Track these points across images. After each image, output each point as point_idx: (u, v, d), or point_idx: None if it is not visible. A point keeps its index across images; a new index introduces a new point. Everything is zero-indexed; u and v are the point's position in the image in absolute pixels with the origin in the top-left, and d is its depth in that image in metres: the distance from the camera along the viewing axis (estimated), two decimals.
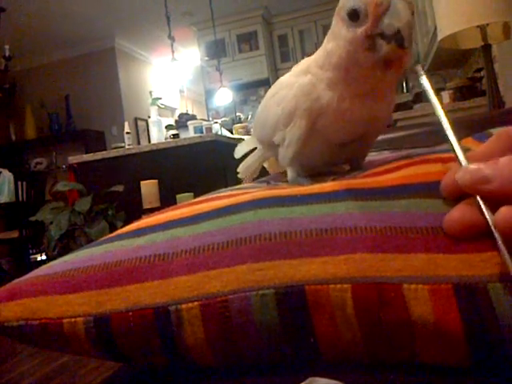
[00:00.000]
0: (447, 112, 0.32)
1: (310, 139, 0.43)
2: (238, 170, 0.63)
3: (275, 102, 0.46)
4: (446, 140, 0.30)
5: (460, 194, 0.28)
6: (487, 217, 0.25)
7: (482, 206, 0.25)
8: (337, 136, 0.42)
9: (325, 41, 0.42)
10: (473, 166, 0.26)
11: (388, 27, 0.35)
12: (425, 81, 0.34)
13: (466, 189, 0.26)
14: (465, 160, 0.28)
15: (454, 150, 0.29)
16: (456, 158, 0.29)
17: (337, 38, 0.39)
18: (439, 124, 0.31)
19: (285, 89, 0.45)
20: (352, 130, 0.42)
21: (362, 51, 0.37)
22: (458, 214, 0.27)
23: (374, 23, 0.36)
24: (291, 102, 0.43)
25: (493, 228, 0.24)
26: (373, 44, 0.37)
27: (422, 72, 0.35)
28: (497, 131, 0.30)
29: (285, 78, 0.47)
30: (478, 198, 0.25)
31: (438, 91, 3.65)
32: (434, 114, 0.32)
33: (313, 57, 0.43)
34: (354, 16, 0.37)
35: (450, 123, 0.31)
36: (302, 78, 0.43)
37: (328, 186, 0.36)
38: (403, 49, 0.35)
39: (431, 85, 0.34)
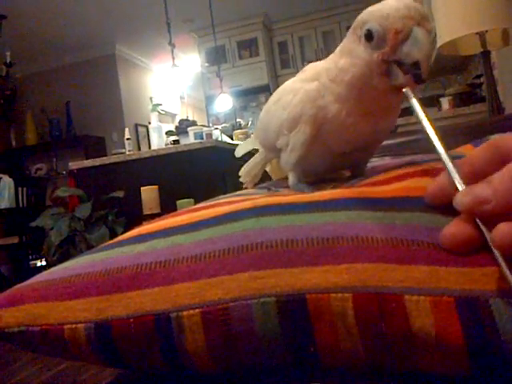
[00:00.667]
0: (438, 132, 0.32)
1: (314, 145, 0.43)
2: (240, 173, 0.63)
3: (280, 107, 0.46)
4: (440, 160, 0.30)
5: (445, 202, 0.28)
6: (485, 234, 0.25)
7: (481, 225, 0.26)
8: (338, 146, 0.43)
9: (337, 52, 0.41)
10: (469, 189, 0.26)
11: (406, 56, 0.35)
12: (415, 103, 0.34)
13: (465, 211, 0.26)
14: (460, 182, 0.28)
15: (449, 173, 0.29)
16: (449, 176, 0.29)
17: (352, 56, 0.38)
18: (432, 146, 0.31)
19: (289, 94, 0.45)
20: (354, 142, 0.42)
21: (378, 75, 0.36)
22: (454, 229, 0.27)
23: (392, 50, 0.35)
24: (297, 107, 0.43)
25: (491, 245, 0.25)
26: (389, 70, 0.36)
27: (412, 95, 0.34)
28: (487, 140, 0.30)
29: (289, 84, 0.47)
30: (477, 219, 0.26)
31: (436, 97, 3.66)
32: (425, 135, 0.32)
33: (322, 65, 0.43)
34: (370, 38, 0.36)
35: (442, 144, 0.31)
36: (308, 85, 0.43)
37: (329, 193, 0.36)
38: (420, 82, 0.35)
39: (422, 106, 0.34)
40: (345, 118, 0.40)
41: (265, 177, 0.65)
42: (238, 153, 0.65)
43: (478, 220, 0.26)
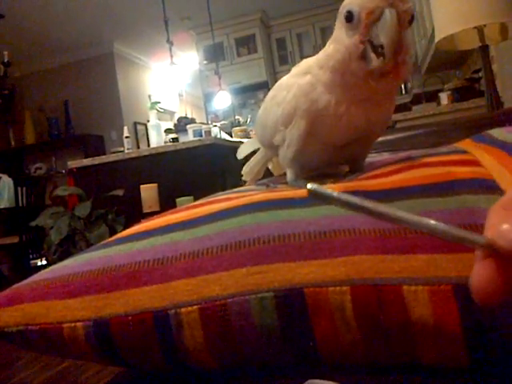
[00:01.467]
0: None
1: (310, 140, 0.43)
2: (242, 171, 0.62)
3: (275, 103, 0.46)
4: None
5: (503, 295, 0.19)
6: None
7: None
8: (333, 138, 0.42)
9: (328, 42, 0.42)
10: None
11: (375, 38, 0.36)
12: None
13: None
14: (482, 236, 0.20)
15: (461, 240, 0.20)
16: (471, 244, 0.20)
17: (337, 41, 0.39)
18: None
19: (284, 90, 0.45)
20: (348, 134, 0.42)
21: (356, 59, 0.37)
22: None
23: (365, 30, 0.36)
24: (291, 103, 0.43)
25: None
26: (365, 53, 0.37)
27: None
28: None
29: (284, 80, 0.47)
30: None
31: (434, 93, 3.66)
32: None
33: (315, 57, 0.44)
34: (350, 19, 0.37)
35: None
36: (301, 79, 0.43)
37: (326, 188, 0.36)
38: (387, 63, 0.35)
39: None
40: (335, 107, 0.40)
41: (267, 175, 0.65)
42: (240, 154, 0.64)
43: None
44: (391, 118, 0.45)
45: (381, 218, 0.20)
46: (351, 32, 0.37)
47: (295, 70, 0.46)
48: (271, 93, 0.49)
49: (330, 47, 0.41)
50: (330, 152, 0.44)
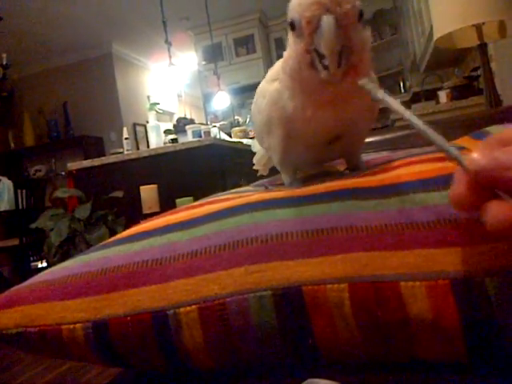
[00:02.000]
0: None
1: (292, 143, 0.42)
2: (254, 161, 0.62)
3: (257, 110, 0.46)
4: (436, 145, 0.26)
5: (474, 204, 0.23)
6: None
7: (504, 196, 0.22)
8: (311, 140, 0.41)
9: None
10: (489, 152, 0.22)
11: (319, 46, 0.33)
12: (384, 95, 0.31)
13: (484, 178, 0.22)
14: (463, 158, 0.24)
15: (446, 151, 0.25)
16: (455, 161, 0.24)
17: (290, 47, 0.38)
18: (422, 132, 0.27)
19: (261, 96, 0.45)
20: (323, 135, 0.41)
21: (306, 68, 0.35)
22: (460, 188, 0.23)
23: (309, 39, 0.34)
24: (265, 111, 0.43)
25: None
26: (313, 62, 0.35)
27: (370, 86, 0.32)
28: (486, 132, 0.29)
29: (261, 85, 0.46)
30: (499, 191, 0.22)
31: (433, 91, 3.66)
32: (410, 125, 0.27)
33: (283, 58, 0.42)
34: (292, 27, 0.35)
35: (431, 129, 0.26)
36: (271, 86, 0.42)
37: (323, 187, 0.36)
38: (332, 73, 0.33)
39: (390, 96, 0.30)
40: (302, 112, 0.39)
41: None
42: (254, 148, 0.64)
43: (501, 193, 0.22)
44: (375, 109, 0.42)
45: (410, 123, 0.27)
46: (298, 39, 0.35)
47: (269, 73, 0.45)
48: (255, 97, 0.48)
49: (285, 53, 0.39)
50: (318, 151, 0.43)
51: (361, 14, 0.34)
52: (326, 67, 0.33)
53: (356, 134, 0.43)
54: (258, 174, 0.59)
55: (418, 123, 0.27)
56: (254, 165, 0.59)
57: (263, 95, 0.44)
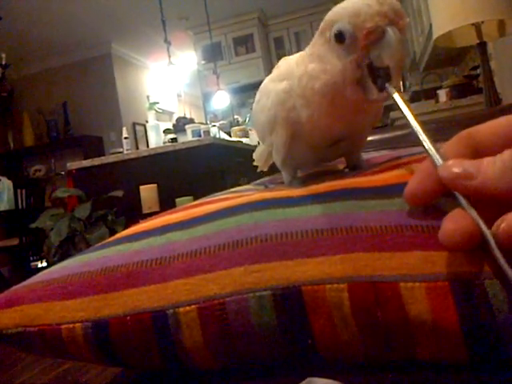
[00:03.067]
0: (418, 118, 0.30)
1: (295, 144, 0.42)
2: (254, 156, 0.62)
3: (260, 109, 0.45)
4: (419, 143, 0.29)
5: (426, 201, 0.27)
6: (481, 226, 0.23)
7: (463, 203, 0.24)
8: (315, 142, 0.41)
9: (308, 53, 0.38)
10: (458, 161, 0.25)
11: (377, 59, 0.32)
12: (398, 99, 0.31)
13: (450, 183, 0.25)
14: (435, 153, 0.27)
15: (427, 151, 0.27)
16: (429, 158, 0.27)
17: (322, 61, 0.35)
18: (413, 130, 0.30)
19: (265, 95, 0.44)
20: (329, 138, 0.41)
21: (351, 86, 0.34)
22: (452, 224, 0.24)
23: (364, 52, 0.32)
24: (270, 111, 0.42)
25: (489, 238, 0.23)
26: (363, 80, 0.33)
27: (394, 91, 0.32)
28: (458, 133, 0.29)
29: (265, 84, 0.45)
30: (458, 194, 0.25)
31: (433, 90, 3.66)
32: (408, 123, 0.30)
33: (294, 60, 0.40)
34: (341, 39, 0.33)
35: (422, 128, 0.29)
36: (278, 85, 0.41)
37: (323, 186, 0.36)
38: (386, 90, 0.32)
39: (404, 101, 0.31)
40: (316, 121, 0.38)
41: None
42: (251, 142, 0.64)
43: (460, 198, 0.25)
44: (380, 112, 0.42)
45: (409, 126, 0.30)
46: (343, 53, 0.33)
47: (275, 72, 0.44)
48: (257, 95, 0.47)
49: (312, 65, 0.36)
50: (320, 151, 0.43)
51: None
52: (381, 88, 0.32)
53: (359, 136, 0.44)
54: (258, 170, 0.59)
55: (415, 124, 0.30)
56: (253, 160, 0.59)
57: (267, 94, 0.43)
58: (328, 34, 0.34)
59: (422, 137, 0.29)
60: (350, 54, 0.33)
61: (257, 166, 0.58)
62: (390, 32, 0.31)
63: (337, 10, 0.34)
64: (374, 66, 0.32)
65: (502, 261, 0.23)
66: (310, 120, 0.38)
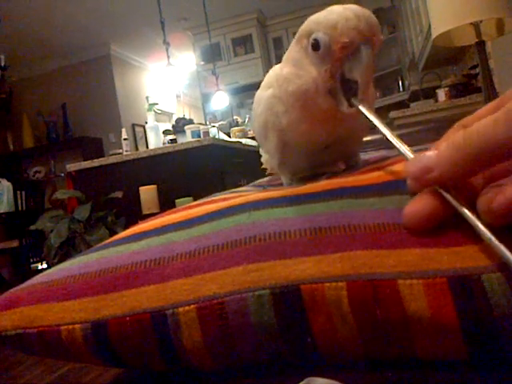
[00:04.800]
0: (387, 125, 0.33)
1: (288, 148, 0.42)
2: (262, 160, 0.63)
3: (254, 117, 0.46)
4: (391, 144, 0.31)
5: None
6: (455, 205, 0.25)
7: (445, 194, 0.26)
8: (303, 147, 0.42)
9: (283, 60, 0.39)
10: (417, 158, 0.26)
11: (348, 72, 0.33)
12: (363, 109, 0.34)
13: (415, 181, 0.27)
14: (408, 153, 0.30)
15: (398, 150, 0.30)
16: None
17: (297, 66, 0.36)
18: (384, 136, 0.32)
19: (256, 104, 0.45)
20: (318, 143, 0.41)
21: (323, 95, 0.35)
22: (414, 206, 0.27)
23: (338, 64, 0.34)
24: (261, 117, 0.43)
25: (471, 217, 0.25)
26: (334, 89, 0.35)
27: (359, 105, 0.34)
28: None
29: (257, 92, 0.46)
30: (439, 188, 0.26)
31: (432, 89, 3.66)
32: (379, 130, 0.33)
33: (277, 69, 0.41)
34: (316, 47, 0.34)
35: (391, 133, 0.32)
36: (265, 92, 0.42)
37: (321, 185, 0.36)
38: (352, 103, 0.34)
39: (370, 112, 0.34)
40: (297, 125, 0.39)
41: None
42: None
43: (442, 191, 0.26)
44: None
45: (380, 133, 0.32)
46: (318, 61, 0.34)
47: (265, 80, 0.45)
48: (254, 103, 0.48)
49: (286, 69, 0.38)
50: (313, 156, 0.43)
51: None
52: (351, 104, 0.34)
53: (350, 140, 0.44)
54: (267, 173, 0.60)
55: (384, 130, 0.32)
56: (253, 161, 0.59)
57: (258, 102, 0.44)
58: (305, 42, 0.36)
59: (394, 141, 0.31)
60: (324, 63, 0.34)
61: (257, 167, 0.59)
62: (363, 51, 0.32)
63: (315, 19, 0.35)
64: (345, 77, 0.34)
65: (485, 231, 0.24)
66: (291, 125, 0.39)
